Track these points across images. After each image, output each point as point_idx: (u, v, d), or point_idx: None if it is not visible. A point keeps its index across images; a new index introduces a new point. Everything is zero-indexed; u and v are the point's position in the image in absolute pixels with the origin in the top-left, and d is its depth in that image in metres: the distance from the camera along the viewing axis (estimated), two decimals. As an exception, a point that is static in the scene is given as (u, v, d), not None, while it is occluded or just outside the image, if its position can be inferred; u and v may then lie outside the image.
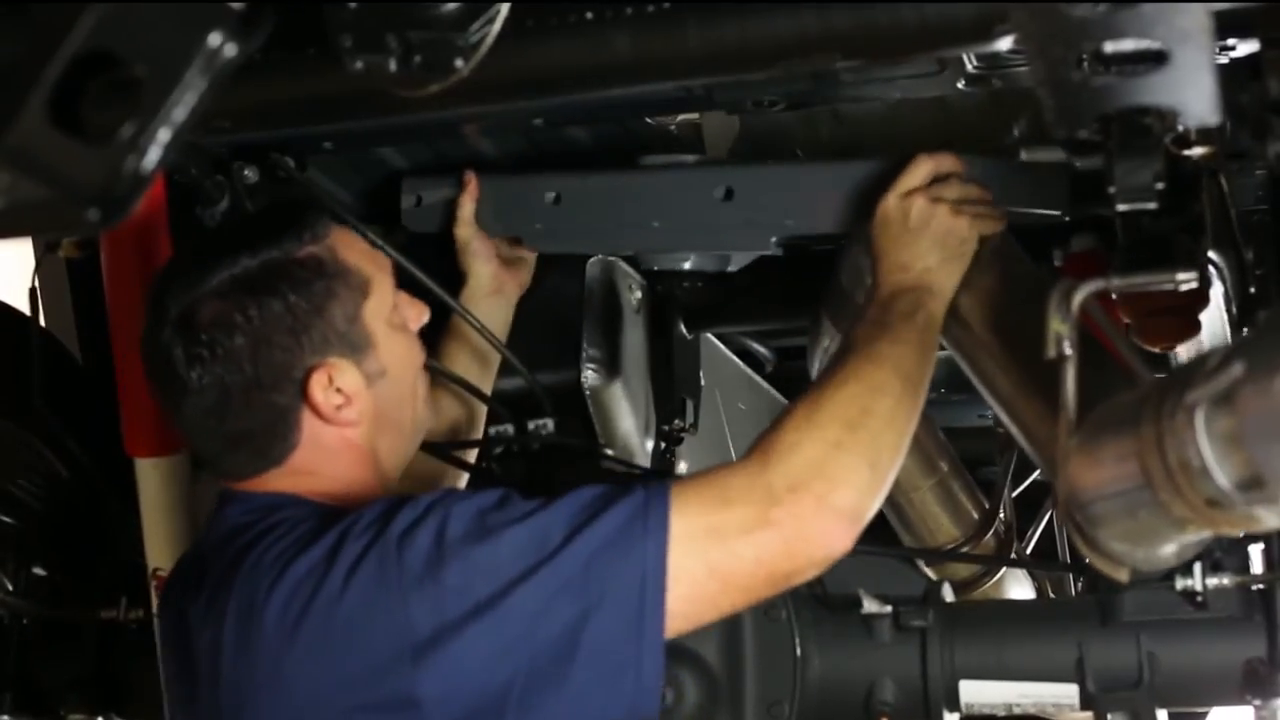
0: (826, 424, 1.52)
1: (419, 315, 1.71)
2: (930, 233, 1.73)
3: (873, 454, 1.52)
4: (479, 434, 2.09)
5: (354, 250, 1.64)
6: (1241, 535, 1.80)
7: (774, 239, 1.96)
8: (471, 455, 2.05)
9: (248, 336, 1.54)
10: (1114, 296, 1.80)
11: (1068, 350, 1.49)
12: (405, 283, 1.82)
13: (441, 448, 1.99)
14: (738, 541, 1.45)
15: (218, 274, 1.55)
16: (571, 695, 1.42)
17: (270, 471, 1.60)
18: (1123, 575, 1.59)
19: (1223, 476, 1.17)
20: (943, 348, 1.89)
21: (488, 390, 2.08)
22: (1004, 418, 1.83)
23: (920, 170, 1.78)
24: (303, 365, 1.56)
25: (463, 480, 2.03)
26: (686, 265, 2.10)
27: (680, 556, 1.43)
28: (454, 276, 2.04)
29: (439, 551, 1.42)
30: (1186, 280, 1.55)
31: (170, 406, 1.61)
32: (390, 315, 1.64)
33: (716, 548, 1.45)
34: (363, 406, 1.60)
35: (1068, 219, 1.88)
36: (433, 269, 1.95)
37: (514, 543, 1.43)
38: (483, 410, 2.09)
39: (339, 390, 1.58)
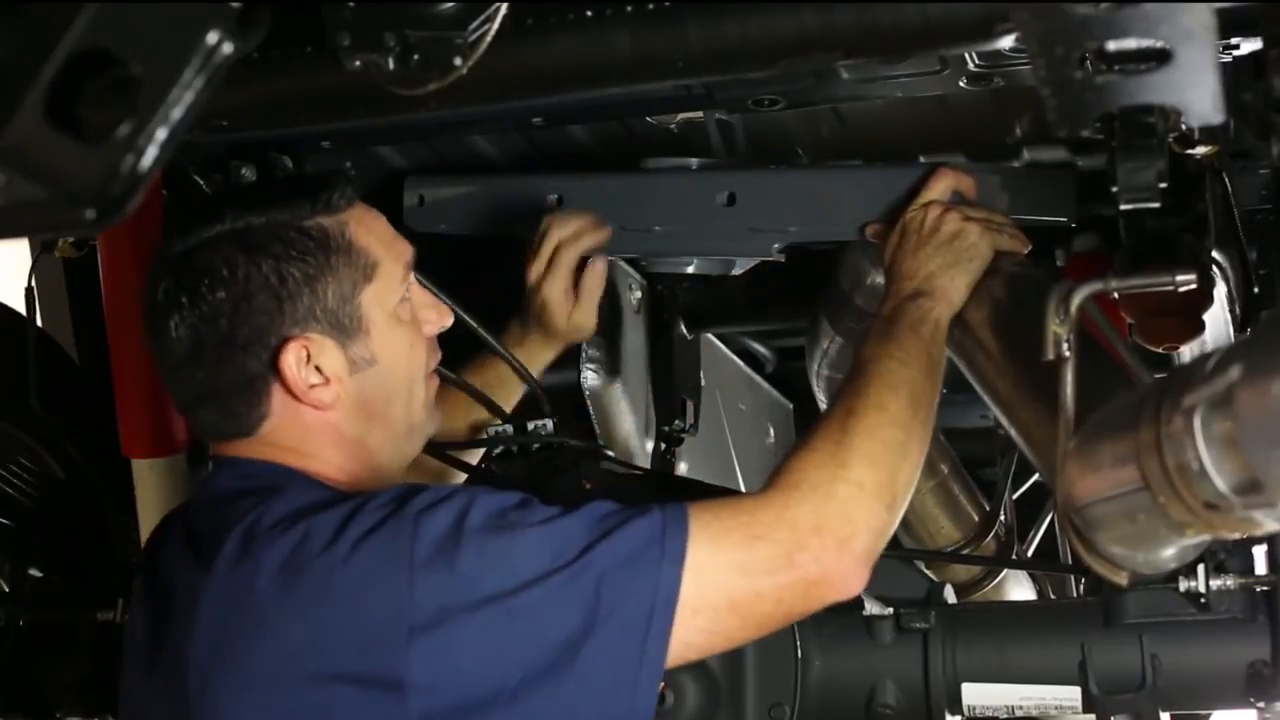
0: (851, 462, 1.51)
1: (439, 319, 1.68)
2: (939, 238, 1.75)
3: (890, 493, 1.53)
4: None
5: (369, 232, 1.60)
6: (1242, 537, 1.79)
7: (777, 246, 1.96)
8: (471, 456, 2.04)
9: (230, 292, 1.52)
10: (1115, 297, 1.79)
11: (1066, 352, 1.49)
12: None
13: (440, 447, 1.98)
14: (761, 580, 1.45)
15: (221, 225, 1.54)
16: (563, 706, 1.41)
17: (250, 440, 1.57)
18: (1122, 579, 1.59)
19: (1221, 480, 1.17)
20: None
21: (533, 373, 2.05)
22: (1003, 420, 1.82)
23: (940, 184, 1.81)
24: (279, 333, 1.53)
25: (459, 478, 2.02)
26: (690, 269, 2.09)
27: (704, 587, 1.43)
28: (455, 275, 2.03)
29: (456, 536, 1.40)
30: (1185, 282, 1.55)
31: (153, 348, 1.59)
32: (397, 307, 1.60)
33: (741, 584, 1.45)
34: (341, 391, 1.56)
35: (1072, 225, 1.88)
36: (434, 269, 1.94)
37: (532, 544, 1.42)
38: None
39: (317, 369, 1.55)
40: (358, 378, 1.57)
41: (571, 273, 1.99)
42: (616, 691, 1.41)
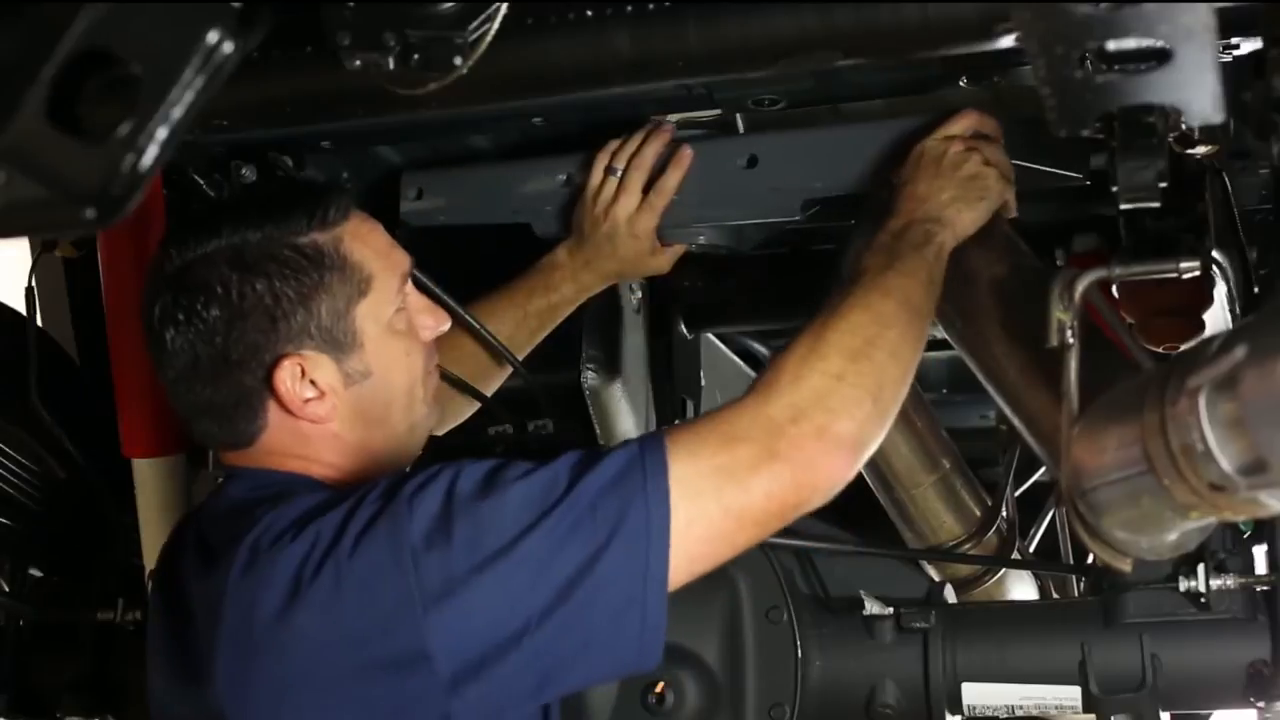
0: (829, 355, 1.52)
1: (435, 324, 1.69)
2: (959, 174, 1.74)
3: (875, 386, 1.52)
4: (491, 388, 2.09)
5: (365, 245, 1.61)
6: (1245, 535, 1.80)
7: (800, 203, 1.92)
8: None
9: (225, 311, 1.54)
10: (1116, 295, 1.79)
11: (1070, 338, 1.49)
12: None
13: (439, 445, 1.98)
14: (748, 478, 1.46)
15: (218, 240, 1.55)
16: (581, 630, 1.44)
17: (251, 450, 1.61)
18: (1125, 565, 1.59)
19: (1226, 460, 1.16)
20: (948, 346, 1.89)
21: (496, 382, 2.07)
22: (1008, 410, 1.82)
23: (964, 120, 1.80)
24: (274, 351, 1.55)
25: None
26: (701, 240, 2.04)
27: (694, 499, 1.45)
28: (455, 274, 2.02)
29: (448, 509, 1.43)
30: (1189, 269, 1.55)
31: (153, 359, 1.62)
32: (392, 319, 1.62)
33: (729, 486, 1.46)
34: (337, 403, 1.58)
35: (1087, 182, 1.86)
36: (433, 267, 1.94)
37: (520, 496, 1.44)
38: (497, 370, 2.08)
39: (313, 383, 1.57)
40: (353, 390, 1.60)
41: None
42: (628, 610, 1.43)
